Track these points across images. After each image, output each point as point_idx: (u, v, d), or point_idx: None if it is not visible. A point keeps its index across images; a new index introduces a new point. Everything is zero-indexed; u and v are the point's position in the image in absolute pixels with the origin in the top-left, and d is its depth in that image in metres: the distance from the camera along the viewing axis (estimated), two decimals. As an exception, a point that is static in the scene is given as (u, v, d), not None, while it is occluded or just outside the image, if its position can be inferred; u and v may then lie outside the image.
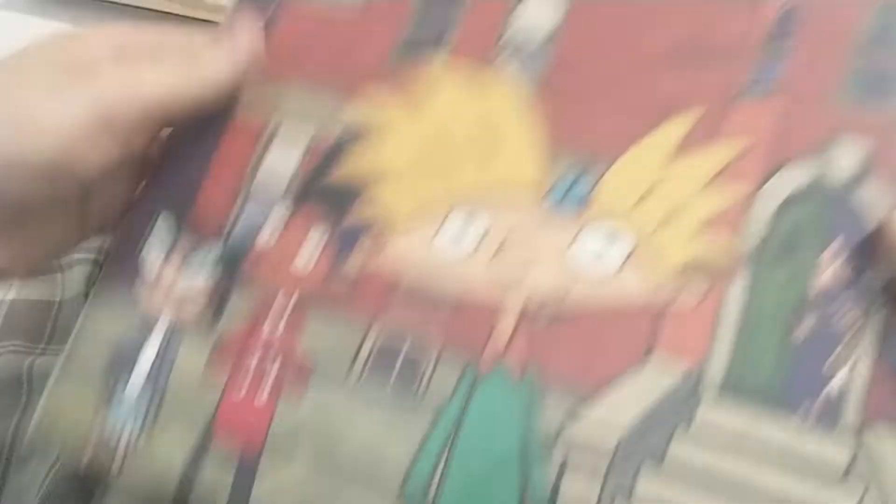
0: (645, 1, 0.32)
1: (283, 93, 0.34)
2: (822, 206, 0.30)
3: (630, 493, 0.28)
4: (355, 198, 0.32)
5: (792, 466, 0.28)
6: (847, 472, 0.27)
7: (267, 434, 0.31)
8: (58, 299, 0.54)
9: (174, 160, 0.34)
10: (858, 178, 0.30)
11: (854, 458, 0.27)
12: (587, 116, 0.32)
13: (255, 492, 0.30)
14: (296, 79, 0.34)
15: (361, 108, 0.33)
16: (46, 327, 0.52)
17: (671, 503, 0.28)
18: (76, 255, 0.50)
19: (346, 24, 0.34)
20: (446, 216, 0.31)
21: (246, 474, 0.30)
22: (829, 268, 0.29)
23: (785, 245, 0.30)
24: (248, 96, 0.34)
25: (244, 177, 0.33)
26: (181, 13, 0.59)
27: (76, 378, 0.33)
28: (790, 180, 0.30)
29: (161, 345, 0.32)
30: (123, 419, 0.31)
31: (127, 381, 0.32)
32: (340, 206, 0.32)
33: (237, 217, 0.33)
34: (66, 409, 0.32)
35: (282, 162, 0.33)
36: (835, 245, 0.29)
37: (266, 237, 0.32)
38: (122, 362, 0.32)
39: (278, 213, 0.32)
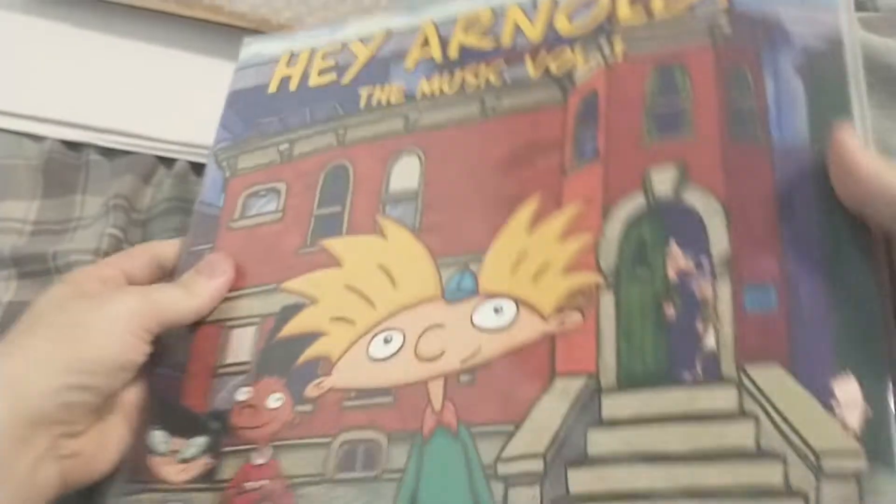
0: (480, 129, 0.41)
1: (230, 301, 0.42)
2: (654, 220, 0.35)
3: (566, 490, 0.31)
4: (301, 350, 0.39)
5: (694, 422, 0.31)
6: (739, 410, 0.30)
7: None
8: None
9: (156, 380, 0.41)
10: (678, 190, 0.36)
11: (741, 398, 0.31)
12: (455, 232, 0.39)
13: None
14: (235, 288, 0.42)
15: (292, 287, 0.41)
16: None
17: (602, 490, 0.31)
18: (73, 257, 0.52)
19: (268, 230, 0.43)
20: (370, 342, 0.38)
21: None
22: (674, 261, 0.34)
23: (634, 259, 0.35)
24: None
25: (212, 372, 0.40)
26: (178, 12, 0.59)
27: None
28: (626, 211, 0.36)
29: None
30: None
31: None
32: (291, 358, 0.38)
33: (213, 399, 0.39)
34: None
35: (240, 351, 0.40)
36: (672, 244, 0.35)
37: (236, 408, 0.39)
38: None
39: (243, 390, 0.39)
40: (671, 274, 0.34)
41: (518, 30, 0.44)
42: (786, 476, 0.29)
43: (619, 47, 0.41)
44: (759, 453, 0.30)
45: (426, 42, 0.46)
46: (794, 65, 0.36)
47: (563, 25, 0.43)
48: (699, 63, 0.39)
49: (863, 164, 0.32)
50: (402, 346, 0.37)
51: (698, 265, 0.34)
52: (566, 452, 0.32)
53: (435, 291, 0.38)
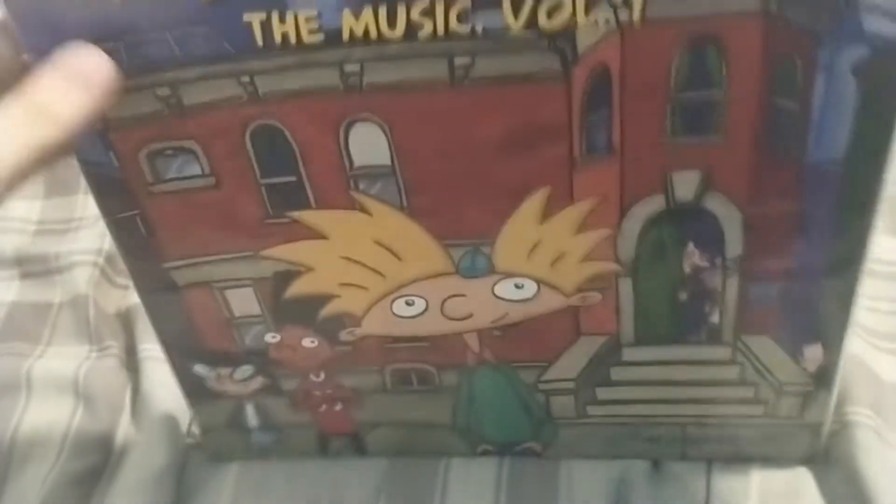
0: (457, 99, 0.32)
1: (205, 266, 0.38)
2: (675, 222, 0.35)
3: (595, 398, 0.42)
4: (319, 306, 0.39)
5: (695, 365, 0.40)
6: (731, 360, 0.39)
7: (357, 421, 0.45)
8: (57, 301, 0.56)
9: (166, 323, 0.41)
10: (700, 196, 0.34)
11: (734, 353, 0.39)
12: (454, 217, 0.36)
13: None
14: (203, 254, 0.38)
15: (277, 255, 0.37)
16: (45, 330, 0.55)
17: (624, 398, 0.42)
18: (75, 258, 0.52)
19: (207, 197, 0.35)
20: (391, 305, 0.39)
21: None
22: (691, 259, 0.36)
23: (653, 254, 0.36)
24: (183, 272, 0.38)
25: (227, 322, 0.40)
26: None
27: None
28: (645, 211, 0.34)
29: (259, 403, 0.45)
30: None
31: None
32: (311, 312, 0.39)
33: (241, 341, 0.41)
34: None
35: (246, 306, 0.40)
36: (691, 246, 0.35)
37: (272, 346, 0.41)
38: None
39: (270, 334, 0.41)
40: (686, 269, 0.36)
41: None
42: (756, 393, 0.40)
43: (637, 3, 0.29)
44: (739, 382, 0.40)
45: (324, -60, 0.28)
46: (853, 63, 0.29)
47: (551, -52, 0.28)
48: (742, 43, 0.30)
49: None
50: (426, 308, 0.38)
51: (712, 263, 0.36)
52: (594, 378, 0.41)
53: (448, 268, 0.37)
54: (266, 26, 0.30)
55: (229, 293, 0.40)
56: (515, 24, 0.30)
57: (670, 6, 0.29)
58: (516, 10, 0.30)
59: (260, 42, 0.31)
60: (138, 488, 0.47)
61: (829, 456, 0.44)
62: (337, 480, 0.47)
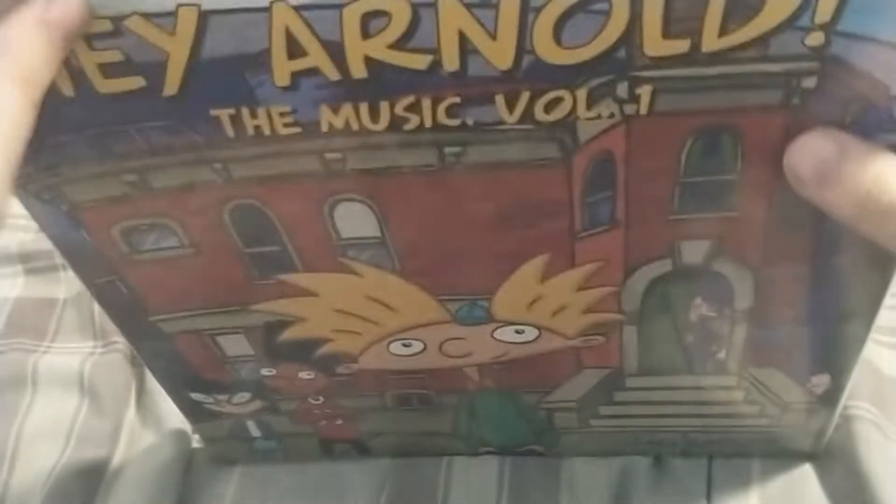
0: (447, 180, 0.29)
1: (193, 318, 0.36)
2: (683, 280, 0.33)
3: (598, 414, 0.41)
4: (314, 346, 0.38)
5: (700, 390, 0.39)
6: (737, 385, 0.38)
7: (359, 430, 0.45)
8: (61, 297, 0.55)
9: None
10: (710, 259, 0.32)
11: (740, 381, 0.38)
12: (450, 277, 0.34)
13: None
14: (190, 309, 0.36)
15: (268, 308, 0.35)
16: (50, 325, 0.54)
17: (625, 413, 0.41)
18: None
19: (189, 262, 0.33)
20: (388, 346, 0.37)
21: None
22: (698, 311, 0.34)
23: (659, 307, 0.35)
24: (170, 323, 0.37)
25: (221, 360, 0.39)
26: None
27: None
28: (650, 273, 0.33)
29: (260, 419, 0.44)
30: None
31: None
32: (306, 351, 0.38)
33: (237, 374, 0.40)
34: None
35: (238, 348, 0.38)
36: (698, 300, 0.34)
37: (267, 378, 0.40)
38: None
39: (266, 369, 0.39)
40: (693, 318, 0.34)
41: (467, 43, 0.24)
42: (761, 410, 0.40)
43: (645, 96, 0.26)
44: (745, 401, 0.39)
45: (292, 40, 0.25)
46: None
47: (547, 46, 0.24)
48: (760, 131, 0.27)
49: None
50: (424, 349, 0.37)
51: (720, 314, 0.34)
52: (596, 399, 0.40)
53: (444, 317, 0.35)
54: (236, 119, 0.28)
55: (220, 339, 0.38)
56: (510, 118, 0.27)
57: (682, 101, 0.26)
58: (511, 104, 0.27)
59: (231, 134, 0.28)
60: (143, 483, 0.47)
61: (830, 450, 0.44)
62: (339, 479, 0.47)
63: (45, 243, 0.54)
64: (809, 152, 0.26)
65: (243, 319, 0.37)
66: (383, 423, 0.44)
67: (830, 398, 0.39)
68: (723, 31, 0.24)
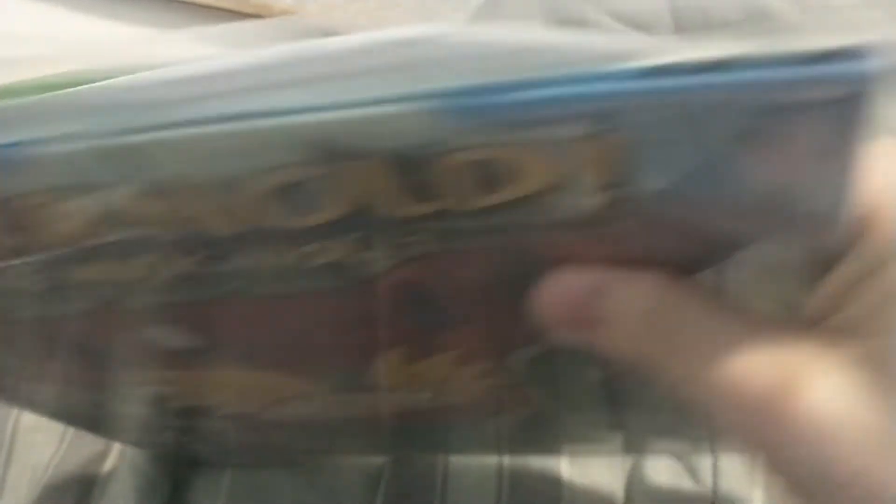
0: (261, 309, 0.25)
1: None
2: (565, 353, 0.27)
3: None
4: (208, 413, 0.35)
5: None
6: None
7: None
8: None
9: None
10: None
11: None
12: (315, 368, 0.29)
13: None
14: None
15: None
16: None
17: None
18: None
19: None
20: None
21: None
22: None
23: (550, 375, 0.29)
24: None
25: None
26: (227, 7, 0.57)
27: None
28: (526, 354, 0.28)
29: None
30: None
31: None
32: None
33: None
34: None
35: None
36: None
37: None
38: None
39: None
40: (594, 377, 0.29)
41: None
42: None
43: (414, 245, 0.20)
44: None
45: None
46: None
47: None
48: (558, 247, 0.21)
49: None
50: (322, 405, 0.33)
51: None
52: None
53: (324, 388, 0.31)
54: None
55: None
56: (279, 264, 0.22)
57: (457, 243, 0.20)
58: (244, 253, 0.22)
59: None
60: (138, 480, 0.46)
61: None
62: (334, 477, 0.46)
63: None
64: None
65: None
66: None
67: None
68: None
